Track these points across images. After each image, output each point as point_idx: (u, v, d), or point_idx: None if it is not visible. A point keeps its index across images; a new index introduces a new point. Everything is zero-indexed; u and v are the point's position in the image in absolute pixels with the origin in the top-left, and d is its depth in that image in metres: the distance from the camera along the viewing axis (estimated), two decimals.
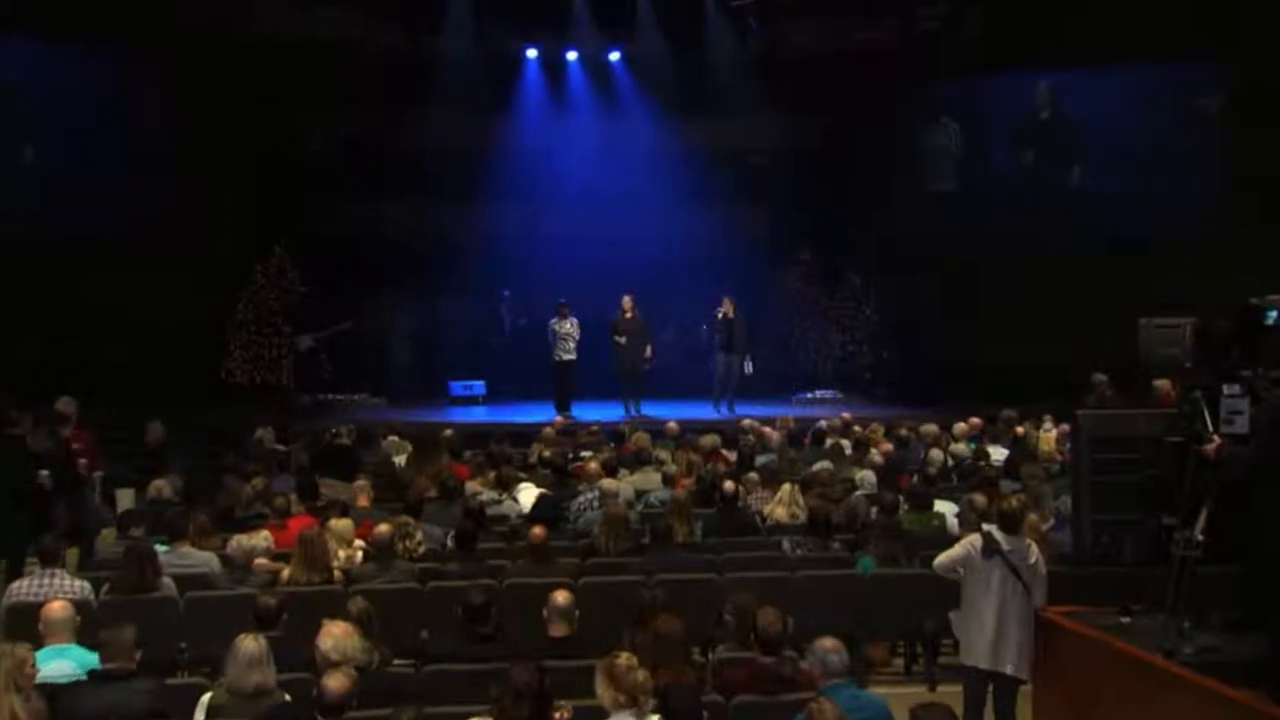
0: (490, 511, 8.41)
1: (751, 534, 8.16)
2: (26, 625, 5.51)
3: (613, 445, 10.89)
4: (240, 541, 6.96)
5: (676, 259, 16.04)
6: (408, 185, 16.10)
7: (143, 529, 7.45)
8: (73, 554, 7.77)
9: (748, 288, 15.30)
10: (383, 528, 7.11)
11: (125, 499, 8.89)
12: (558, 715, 4.54)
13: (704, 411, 14.31)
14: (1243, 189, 13.43)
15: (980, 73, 15.68)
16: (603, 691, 4.52)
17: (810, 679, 4.97)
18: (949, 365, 14.58)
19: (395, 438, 10.90)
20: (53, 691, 4.78)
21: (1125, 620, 5.72)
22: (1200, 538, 5.19)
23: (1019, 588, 5.96)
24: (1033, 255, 14.83)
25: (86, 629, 5.44)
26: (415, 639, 6.38)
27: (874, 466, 9.49)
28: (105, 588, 6.50)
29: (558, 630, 5.62)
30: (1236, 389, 5.32)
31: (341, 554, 7.18)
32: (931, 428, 11.01)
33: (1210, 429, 5.27)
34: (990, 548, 5.99)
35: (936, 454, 9.88)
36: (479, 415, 15.06)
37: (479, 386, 15.97)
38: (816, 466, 9.63)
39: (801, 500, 8.48)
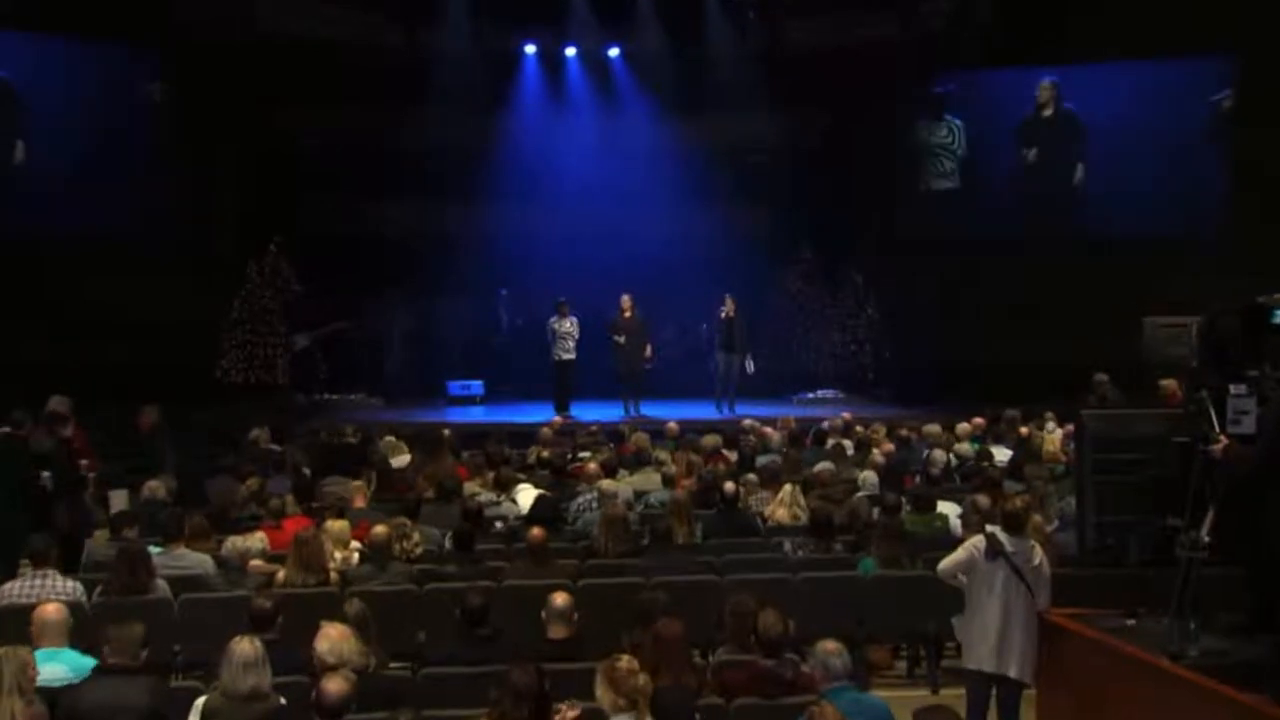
0: (488, 513, 8.36)
1: (752, 535, 8.11)
2: (18, 627, 5.44)
3: (612, 446, 10.84)
4: (235, 543, 6.91)
5: (676, 257, 15.98)
6: (405, 183, 16.05)
7: (136, 530, 7.39)
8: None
9: (748, 287, 15.26)
10: (380, 529, 7.06)
11: (119, 500, 8.82)
12: (558, 716, 4.50)
13: (704, 411, 14.27)
14: (1249, 188, 13.37)
15: (982, 69, 15.63)
16: (602, 694, 4.50)
17: (811, 682, 4.94)
18: (950, 365, 14.54)
19: (392, 438, 10.83)
20: (50, 696, 4.73)
21: (1130, 623, 5.66)
22: (1206, 539, 5.13)
23: (1023, 590, 5.91)
24: (1035, 254, 14.79)
25: (78, 631, 5.39)
26: (413, 641, 6.35)
27: (876, 467, 9.44)
28: (98, 590, 6.43)
29: (556, 632, 5.59)
30: (1243, 388, 5.26)
31: (338, 555, 7.13)
32: (934, 428, 10.96)
33: (1216, 429, 5.21)
34: (994, 549, 5.94)
35: (939, 454, 9.84)
36: (477, 415, 15.02)
37: (477, 386, 15.92)
38: (818, 467, 9.58)
39: (803, 501, 8.45)
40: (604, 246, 15.66)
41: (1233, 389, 5.27)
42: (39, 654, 5.02)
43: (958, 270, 15.15)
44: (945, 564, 6.15)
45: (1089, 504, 6.36)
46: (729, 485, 8.37)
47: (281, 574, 6.69)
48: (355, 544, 7.36)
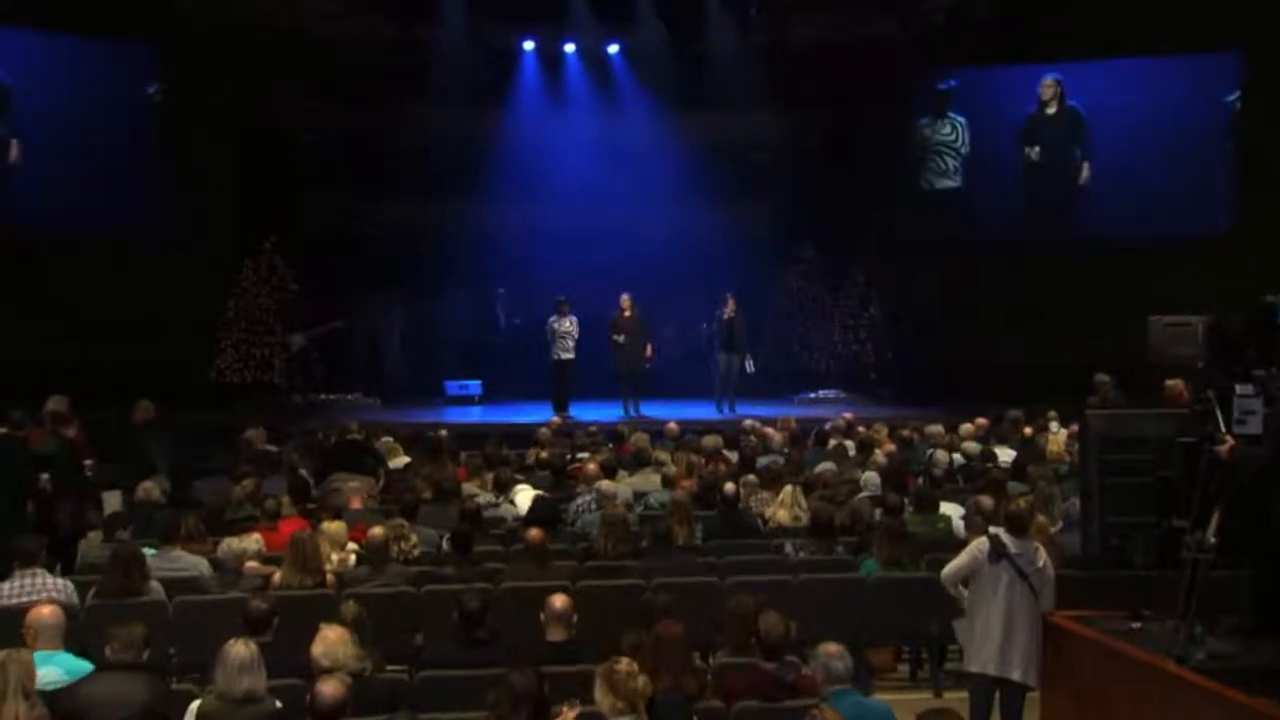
0: (487, 514, 8.30)
1: (753, 537, 8.06)
2: (9, 629, 5.38)
3: (611, 446, 10.77)
4: (230, 544, 6.87)
5: (676, 256, 15.93)
6: (401, 181, 15.97)
7: (130, 531, 7.33)
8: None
9: (749, 286, 15.19)
10: (377, 530, 7.01)
11: (112, 501, 8.75)
12: (557, 719, 4.47)
13: (704, 412, 14.21)
14: (1257, 188, 13.30)
15: (986, 66, 15.56)
16: (601, 698, 4.46)
17: (813, 685, 4.90)
18: (952, 364, 14.48)
19: (389, 439, 10.77)
20: (45, 699, 4.67)
21: (1135, 625, 5.64)
22: (1212, 541, 5.11)
23: (1027, 592, 5.87)
24: (1038, 253, 14.73)
25: (72, 634, 5.34)
26: (410, 644, 6.29)
27: (878, 468, 9.38)
28: (92, 592, 6.37)
29: (555, 634, 5.54)
30: (1250, 389, 5.24)
31: (334, 557, 7.07)
32: (936, 428, 10.91)
33: (1223, 429, 5.17)
34: (997, 551, 5.90)
35: (942, 455, 9.78)
36: (475, 415, 14.95)
37: (475, 386, 15.85)
38: (820, 468, 9.53)
39: (804, 502, 8.39)
40: (603, 245, 15.58)
41: (1239, 389, 5.24)
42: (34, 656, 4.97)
43: (960, 269, 15.09)
44: (949, 571, 6.10)
45: (1094, 505, 6.34)
46: (729, 486, 8.31)
47: (277, 576, 6.63)
48: (352, 545, 7.31)
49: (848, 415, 12.23)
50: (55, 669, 5.05)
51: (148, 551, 6.78)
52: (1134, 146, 14.62)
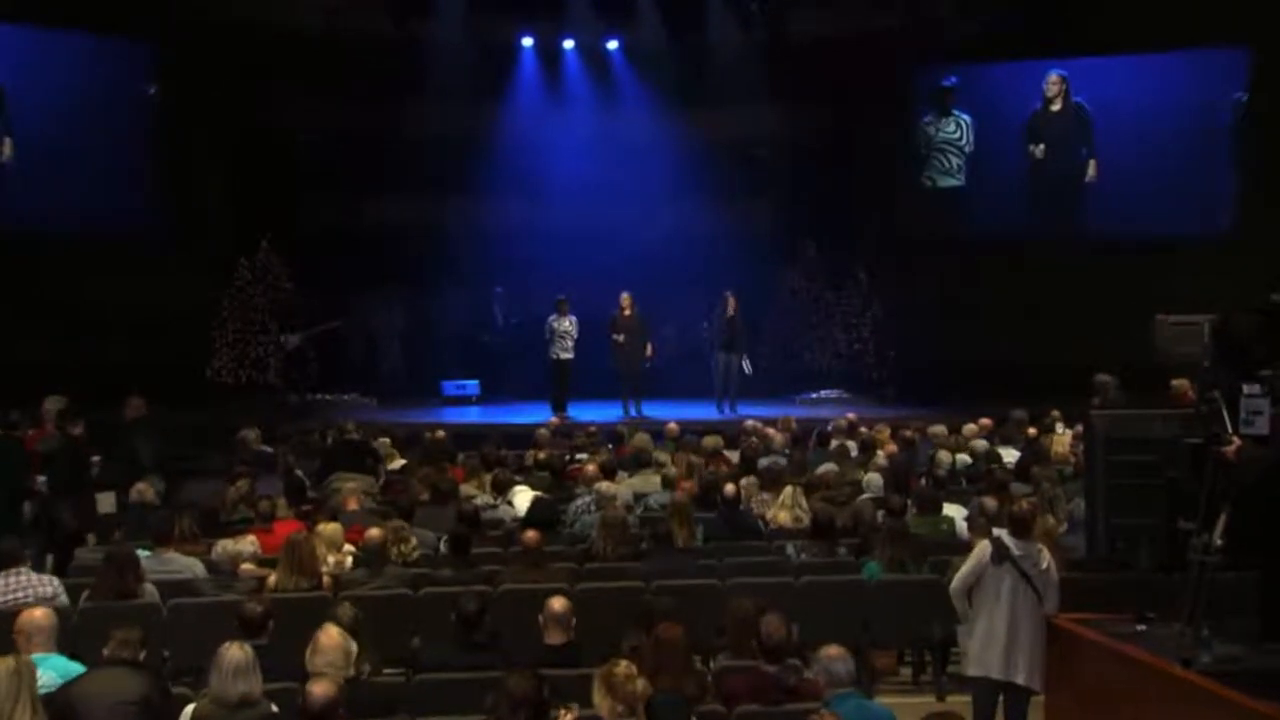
0: (485, 515, 8.25)
1: (754, 538, 8.02)
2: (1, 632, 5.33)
3: (611, 447, 10.72)
4: (225, 546, 6.83)
5: (676, 254, 15.85)
6: (399, 178, 15.90)
7: (123, 533, 7.28)
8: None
9: (749, 284, 15.12)
10: (374, 532, 6.97)
11: (106, 503, 8.70)
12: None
13: (705, 412, 14.15)
14: (1264, 186, 13.22)
15: (990, 62, 15.46)
16: (600, 701, 4.43)
17: (815, 688, 4.88)
18: (955, 364, 14.41)
19: (386, 440, 10.72)
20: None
21: (1141, 628, 5.60)
22: (1219, 543, 5.06)
23: (1030, 594, 5.84)
24: (1042, 252, 14.66)
25: (64, 637, 5.30)
26: (407, 646, 6.26)
27: (880, 469, 9.32)
28: (85, 594, 6.32)
29: (554, 637, 5.50)
30: (1257, 388, 5.18)
31: (330, 559, 7.02)
32: (939, 429, 10.85)
33: (1230, 430, 5.12)
34: (1000, 553, 5.85)
35: (945, 456, 9.73)
36: (473, 416, 14.88)
37: (472, 386, 15.77)
38: (822, 469, 9.47)
39: (805, 503, 8.34)
40: (602, 243, 15.51)
41: (1246, 388, 5.19)
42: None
43: (962, 268, 15.03)
44: (956, 583, 6.04)
45: (1099, 506, 6.27)
46: (730, 487, 8.27)
47: (273, 578, 6.60)
48: (349, 547, 7.26)
49: (850, 415, 12.17)
50: (49, 672, 5.00)
51: (141, 553, 6.74)
52: (1139, 144, 14.49)
